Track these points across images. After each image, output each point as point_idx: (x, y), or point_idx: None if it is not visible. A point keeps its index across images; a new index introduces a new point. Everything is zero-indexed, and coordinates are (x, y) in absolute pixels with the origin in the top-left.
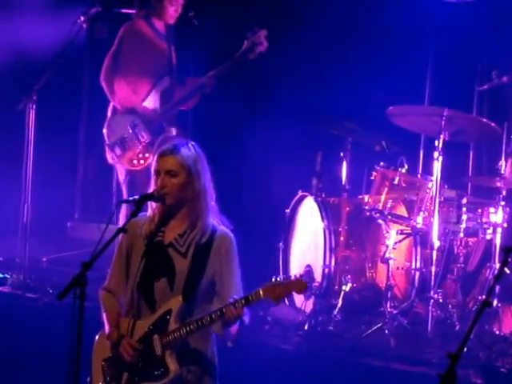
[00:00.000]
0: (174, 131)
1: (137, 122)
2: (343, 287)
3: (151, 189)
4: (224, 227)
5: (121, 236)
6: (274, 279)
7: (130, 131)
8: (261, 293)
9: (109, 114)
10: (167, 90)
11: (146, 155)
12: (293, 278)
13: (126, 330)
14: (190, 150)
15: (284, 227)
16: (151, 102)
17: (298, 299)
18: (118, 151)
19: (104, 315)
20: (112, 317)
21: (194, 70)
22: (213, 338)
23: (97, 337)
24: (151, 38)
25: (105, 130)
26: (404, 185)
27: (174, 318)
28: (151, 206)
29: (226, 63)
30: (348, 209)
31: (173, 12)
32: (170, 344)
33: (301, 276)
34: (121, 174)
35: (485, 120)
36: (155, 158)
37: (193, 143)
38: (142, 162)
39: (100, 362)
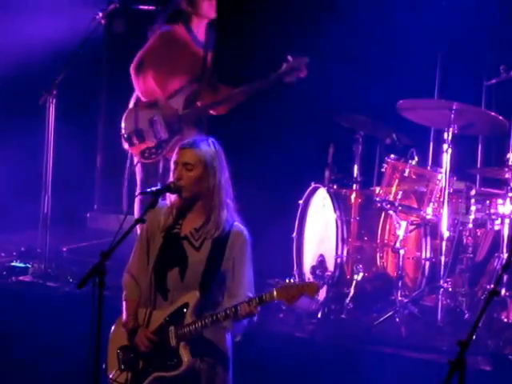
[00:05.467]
0: (193, 134)
1: (155, 119)
2: (355, 276)
3: (170, 179)
4: (239, 224)
5: (143, 224)
6: (287, 280)
7: (148, 125)
8: (274, 293)
9: (131, 105)
10: (192, 94)
11: (159, 151)
12: (306, 281)
13: (143, 320)
14: (209, 146)
15: (297, 218)
16: (175, 103)
17: None
18: (134, 140)
19: (124, 303)
20: (131, 306)
21: (226, 78)
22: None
23: (113, 325)
24: (187, 43)
25: (123, 122)
26: (414, 177)
27: (190, 311)
28: (169, 198)
29: (258, 82)
30: (359, 200)
31: (207, 6)
32: (185, 336)
33: (314, 279)
34: (135, 161)
35: (493, 113)
36: (176, 150)
37: (213, 140)
38: (153, 156)
39: (116, 349)
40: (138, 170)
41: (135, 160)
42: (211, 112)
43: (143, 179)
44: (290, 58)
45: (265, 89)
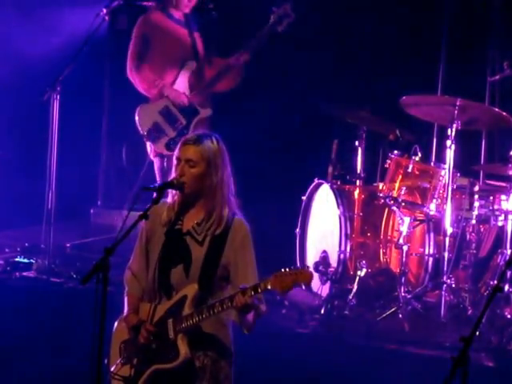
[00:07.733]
0: (209, 112)
1: (168, 108)
2: (358, 272)
3: (172, 175)
4: (240, 217)
5: (142, 222)
6: (283, 270)
7: (162, 117)
8: (268, 283)
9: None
10: (194, 73)
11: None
12: (298, 268)
13: (147, 314)
14: (212, 143)
15: (300, 214)
16: (180, 87)
17: (315, 284)
18: (156, 136)
19: (126, 298)
20: (132, 301)
21: (222, 52)
22: (229, 324)
23: (116, 322)
24: (169, 27)
25: (137, 121)
26: (417, 173)
27: (188, 303)
28: (171, 194)
29: (252, 40)
30: (363, 196)
31: (187, 2)
32: (183, 328)
33: (307, 266)
34: (155, 163)
35: (496, 109)
36: (178, 146)
37: (217, 136)
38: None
39: (118, 344)
40: (157, 168)
41: (155, 160)
42: (221, 87)
43: (163, 172)
44: (274, 8)
45: (261, 44)
